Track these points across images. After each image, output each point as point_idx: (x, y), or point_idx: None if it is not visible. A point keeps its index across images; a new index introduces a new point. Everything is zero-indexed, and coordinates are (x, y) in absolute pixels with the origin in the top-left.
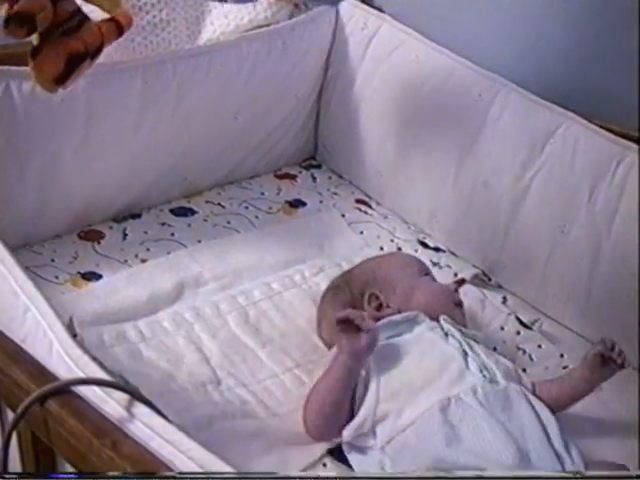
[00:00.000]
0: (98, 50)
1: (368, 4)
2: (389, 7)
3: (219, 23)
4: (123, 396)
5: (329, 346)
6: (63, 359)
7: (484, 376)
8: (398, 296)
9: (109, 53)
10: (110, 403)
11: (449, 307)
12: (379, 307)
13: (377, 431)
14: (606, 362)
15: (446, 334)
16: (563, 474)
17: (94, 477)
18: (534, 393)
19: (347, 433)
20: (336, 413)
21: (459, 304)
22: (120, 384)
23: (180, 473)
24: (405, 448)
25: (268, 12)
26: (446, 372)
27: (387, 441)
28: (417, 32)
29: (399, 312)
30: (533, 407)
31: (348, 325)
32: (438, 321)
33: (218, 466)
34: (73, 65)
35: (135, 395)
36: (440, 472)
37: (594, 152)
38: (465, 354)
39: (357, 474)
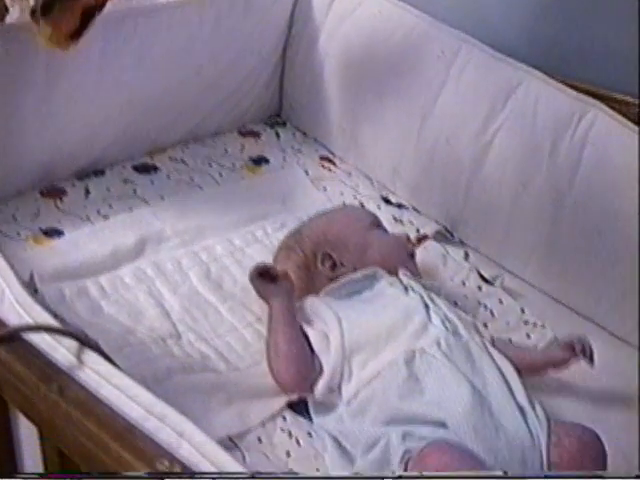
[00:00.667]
0: (104, 3)
1: None
2: None
3: None
4: (73, 343)
5: None
6: (14, 307)
7: (446, 328)
8: (352, 253)
9: None
10: (60, 350)
11: (404, 258)
12: (333, 266)
13: (342, 387)
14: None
15: (406, 288)
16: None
17: (94, 477)
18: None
19: (319, 391)
20: (302, 357)
21: (412, 255)
22: (70, 330)
23: (187, 473)
24: (370, 401)
25: None
26: (410, 324)
27: (353, 395)
28: None
29: (354, 270)
30: (494, 361)
31: (265, 277)
32: (397, 275)
33: (167, 412)
34: (86, 20)
35: (85, 342)
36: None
37: (556, 108)
38: (427, 307)
39: (355, 474)
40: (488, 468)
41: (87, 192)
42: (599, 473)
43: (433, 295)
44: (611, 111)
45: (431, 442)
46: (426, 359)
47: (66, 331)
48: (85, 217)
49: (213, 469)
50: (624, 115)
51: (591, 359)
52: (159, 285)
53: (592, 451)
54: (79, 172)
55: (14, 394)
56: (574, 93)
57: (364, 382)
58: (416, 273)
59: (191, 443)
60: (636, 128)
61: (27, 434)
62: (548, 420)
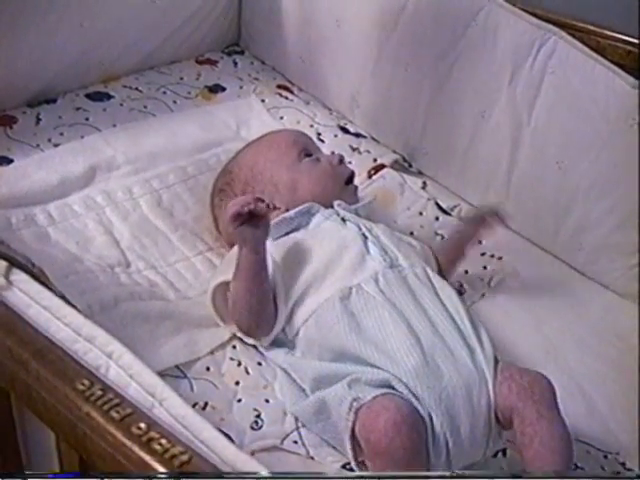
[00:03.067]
0: None
1: None
2: None
3: None
4: (1, 263)
5: (231, 247)
6: None
7: (384, 260)
8: (282, 194)
9: None
10: None
11: (339, 189)
12: (267, 207)
13: (286, 327)
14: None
15: (343, 220)
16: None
17: (94, 477)
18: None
19: (268, 339)
20: (265, 307)
21: (350, 179)
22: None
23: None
24: (311, 339)
25: None
26: (346, 257)
27: (295, 333)
28: None
29: (287, 210)
30: (437, 293)
31: (240, 217)
32: (332, 207)
33: (95, 333)
34: None
35: (14, 262)
36: None
37: (515, 36)
38: (365, 238)
39: (352, 474)
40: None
41: (38, 120)
42: (599, 473)
43: (372, 225)
44: (572, 39)
45: (378, 395)
46: (363, 296)
47: None
48: (35, 145)
49: (142, 392)
50: (585, 44)
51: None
52: (109, 213)
53: (541, 384)
54: (30, 100)
55: None
56: (535, 20)
57: (302, 321)
58: (353, 200)
59: (119, 364)
60: (598, 57)
61: None
62: (495, 358)
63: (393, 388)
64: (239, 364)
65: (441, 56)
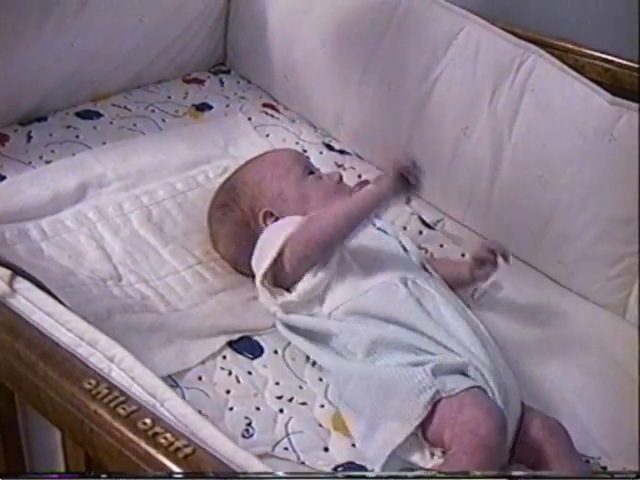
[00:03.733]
0: None
1: None
2: None
3: None
4: (6, 272)
5: (228, 261)
6: None
7: (425, 269)
8: (291, 207)
9: None
10: None
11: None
12: (276, 220)
13: (326, 297)
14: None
15: (379, 229)
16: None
17: (94, 477)
18: None
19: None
20: (339, 239)
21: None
22: (3, 259)
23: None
24: (366, 311)
25: None
26: (394, 255)
27: (337, 306)
28: None
29: None
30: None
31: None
32: None
33: (98, 338)
34: None
35: (17, 270)
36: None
37: (496, 54)
38: (403, 247)
39: (357, 473)
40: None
41: (29, 137)
42: (599, 473)
43: (406, 239)
44: (551, 57)
45: (466, 389)
46: (420, 289)
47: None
48: (27, 162)
49: (144, 393)
50: (564, 62)
51: (505, 258)
52: (100, 228)
53: (560, 433)
54: (22, 118)
55: None
56: (515, 39)
57: (359, 293)
58: None
59: (121, 367)
60: (576, 75)
61: None
62: None
63: (467, 375)
64: (230, 373)
65: (423, 75)
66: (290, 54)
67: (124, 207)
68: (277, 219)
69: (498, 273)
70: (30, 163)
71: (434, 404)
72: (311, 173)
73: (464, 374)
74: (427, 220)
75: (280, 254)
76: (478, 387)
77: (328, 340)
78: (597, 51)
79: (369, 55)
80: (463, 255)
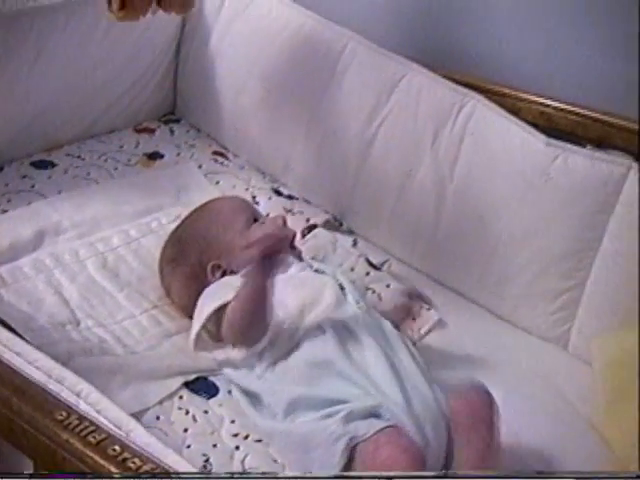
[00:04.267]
0: None
1: None
2: None
3: None
4: None
5: (182, 309)
6: None
7: (360, 308)
8: (238, 258)
9: None
10: None
11: (286, 249)
12: (224, 275)
13: (263, 352)
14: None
15: (316, 270)
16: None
17: (95, 477)
18: None
19: (262, 343)
20: (262, 318)
21: (294, 239)
22: None
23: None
24: (295, 363)
25: None
26: (328, 297)
27: (281, 357)
28: None
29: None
30: (405, 342)
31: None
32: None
33: (65, 375)
34: None
35: None
36: None
37: (436, 99)
38: (341, 288)
39: (355, 474)
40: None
41: None
42: (599, 473)
43: (345, 278)
44: (489, 102)
45: (378, 432)
46: (347, 330)
47: None
48: None
49: (110, 425)
50: (501, 106)
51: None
52: (58, 275)
53: (484, 394)
54: None
55: None
56: (454, 85)
57: (291, 346)
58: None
59: (87, 401)
60: (513, 118)
61: None
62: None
63: (380, 416)
64: (187, 412)
65: (368, 120)
66: (238, 103)
67: (80, 254)
68: (225, 272)
69: (444, 311)
70: None
71: (351, 450)
72: (255, 220)
73: (378, 416)
74: (374, 261)
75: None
76: (392, 426)
77: (256, 397)
78: (533, 95)
79: (315, 102)
80: None
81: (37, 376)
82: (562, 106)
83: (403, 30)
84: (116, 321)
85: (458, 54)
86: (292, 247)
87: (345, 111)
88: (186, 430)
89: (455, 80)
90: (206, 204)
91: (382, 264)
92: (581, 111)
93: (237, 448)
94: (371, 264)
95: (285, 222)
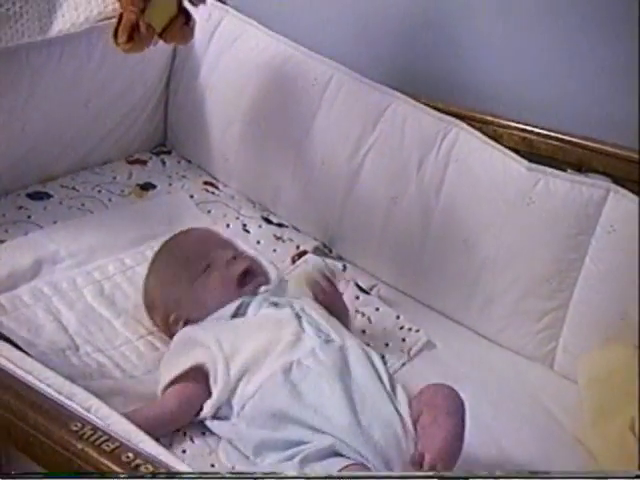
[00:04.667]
0: None
1: None
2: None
3: (69, 15)
4: None
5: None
6: None
7: (319, 337)
8: (188, 310)
9: None
10: None
11: (233, 288)
12: (185, 324)
13: (232, 403)
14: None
15: (275, 304)
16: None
17: (95, 477)
18: None
19: (205, 411)
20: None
21: (245, 273)
22: None
23: (179, 473)
24: (255, 412)
25: (116, 4)
26: (284, 338)
27: (241, 407)
28: (257, 22)
29: (197, 321)
30: (367, 356)
31: None
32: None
33: (75, 391)
34: None
35: None
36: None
37: (421, 128)
38: (299, 317)
39: (358, 473)
40: None
41: None
42: (599, 473)
43: (303, 303)
44: (471, 129)
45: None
46: (302, 369)
47: None
48: None
49: (121, 437)
50: (483, 132)
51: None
52: (56, 302)
53: (446, 391)
54: None
55: None
56: (437, 114)
57: (249, 396)
58: (264, 281)
59: (97, 416)
60: (495, 145)
61: None
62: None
63: (339, 453)
64: (185, 434)
65: (354, 149)
66: (227, 134)
67: (77, 282)
68: (186, 322)
69: (432, 333)
70: None
71: None
72: (201, 265)
73: (339, 454)
74: (363, 286)
75: None
76: (353, 464)
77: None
78: (513, 121)
79: (303, 132)
80: (398, 317)
81: (49, 392)
82: (542, 132)
83: (386, 61)
84: (114, 347)
85: (440, 83)
86: (242, 285)
87: (332, 140)
88: (184, 451)
89: (438, 109)
90: (160, 248)
91: (371, 288)
92: (561, 136)
93: (233, 468)
94: (360, 288)
95: (235, 257)
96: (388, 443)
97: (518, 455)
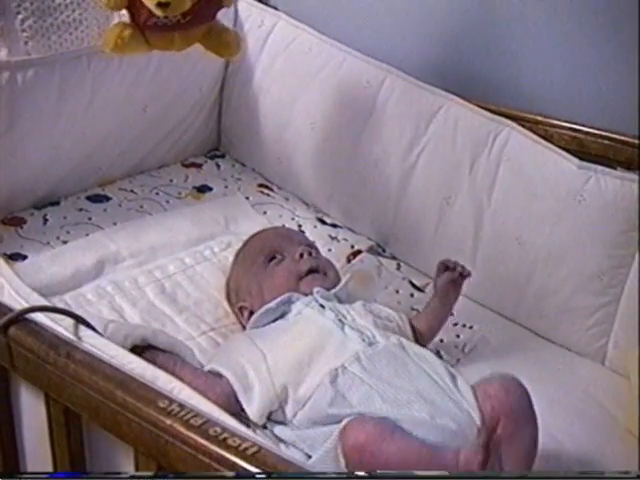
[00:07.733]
0: None
1: (264, 3)
2: (283, 6)
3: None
4: (69, 322)
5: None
6: (14, 297)
7: (363, 340)
8: (255, 298)
9: (29, 50)
10: (59, 329)
11: (294, 282)
12: (251, 314)
13: (285, 408)
14: (454, 283)
15: (322, 306)
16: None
17: (95, 477)
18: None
19: (254, 415)
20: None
21: (310, 270)
22: (65, 309)
23: (183, 473)
24: (309, 419)
25: None
26: (328, 343)
27: (294, 415)
28: (310, 27)
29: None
30: (412, 358)
31: None
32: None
33: (158, 374)
34: None
35: (79, 319)
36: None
37: (473, 129)
38: (342, 323)
39: (358, 473)
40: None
41: (45, 220)
42: (601, 473)
43: (348, 308)
44: (522, 129)
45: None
46: (349, 376)
47: (64, 310)
48: (46, 242)
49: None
50: (534, 132)
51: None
52: (119, 300)
53: (515, 388)
54: (36, 202)
55: (25, 365)
56: (489, 114)
57: (300, 405)
58: (325, 285)
59: (180, 397)
60: (546, 144)
61: (30, 412)
62: (472, 388)
63: None
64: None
65: (407, 150)
66: (282, 138)
67: (139, 281)
68: (251, 312)
69: (486, 329)
70: (48, 243)
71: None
72: (274, 258)
73: None
74: (417, 284)
75: None
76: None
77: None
78: (564, 121)
79: (356, 135)
80: (452, 314)
81: (134, 374)
82: (593, 131)
83: (437, 63)
84: None
85: (492, 85)
86: (308, 274)
87: (385, 142)
88: None
89: (490, 110)
90: (245, 241)
91: (425, 286)
92: (611, 135)
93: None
94: (414, 286)
95: (303, 255)
96: (454, 435)
97: (570, 446)
